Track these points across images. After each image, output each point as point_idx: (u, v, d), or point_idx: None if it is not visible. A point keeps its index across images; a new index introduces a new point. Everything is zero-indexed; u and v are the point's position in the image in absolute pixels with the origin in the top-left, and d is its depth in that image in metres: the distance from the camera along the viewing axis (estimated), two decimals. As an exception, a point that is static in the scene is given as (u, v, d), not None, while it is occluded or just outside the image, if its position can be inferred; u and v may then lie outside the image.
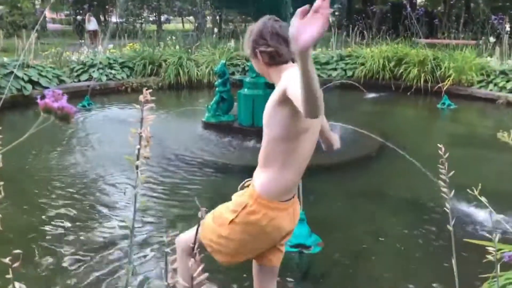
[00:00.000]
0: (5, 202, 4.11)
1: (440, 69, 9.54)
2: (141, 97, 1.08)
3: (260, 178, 1.94)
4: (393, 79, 10.22)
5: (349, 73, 10.83)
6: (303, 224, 3.12)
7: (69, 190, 4.27)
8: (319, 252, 3.09)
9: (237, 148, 5.53)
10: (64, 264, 2.97)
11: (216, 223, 1.99)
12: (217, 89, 6.17)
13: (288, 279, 2.81)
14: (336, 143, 2.24)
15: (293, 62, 1.89)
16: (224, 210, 2.01)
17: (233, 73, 10.25)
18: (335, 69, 11.05)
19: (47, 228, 3.52)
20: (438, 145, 1.56)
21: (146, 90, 1.08)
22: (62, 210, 3.83)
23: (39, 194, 4.21)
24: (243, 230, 1.94)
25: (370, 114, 8.29)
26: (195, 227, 1.92)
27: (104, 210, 3.83)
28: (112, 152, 5.27)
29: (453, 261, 1.52)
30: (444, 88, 8.83)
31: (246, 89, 5.84)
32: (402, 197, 4.18)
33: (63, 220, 3.63)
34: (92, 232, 3.44)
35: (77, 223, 3.59)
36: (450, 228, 1.50)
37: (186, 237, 2.08)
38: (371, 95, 9.51)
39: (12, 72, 8.26)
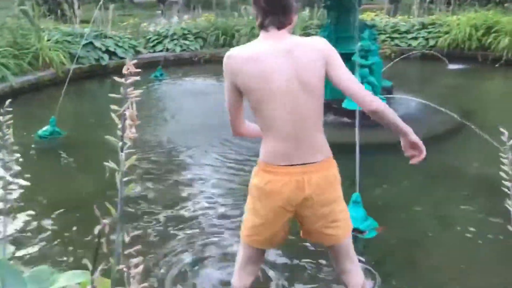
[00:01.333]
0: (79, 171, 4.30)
1: (536, 38, 8.59)
2: (124, 69, 0.94)
3: (261, 144, 2.02)
4: (481, 49, 9.34)
5: (432, 42, 10.05)
6: (358, 206, 2.91)
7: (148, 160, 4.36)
8: (375, 237, 2.87)
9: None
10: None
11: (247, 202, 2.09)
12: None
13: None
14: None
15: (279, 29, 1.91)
16: None
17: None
18: (416, 38, 10.32)
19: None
20: (501, 129, 1.31)
21: (131, 61, 0.94)
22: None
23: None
24: (252, 195, 2.02)
25: (452, 87, 7.65)
26: None
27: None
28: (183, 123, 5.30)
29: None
30: (540, 60, 7.94)
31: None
32: (478, 181, 3.80)
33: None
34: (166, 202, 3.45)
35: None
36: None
37: None
38: (455, 66, 8.77)
39: (91, 43, 8.59)
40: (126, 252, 0.84)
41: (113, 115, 0.94)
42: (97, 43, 8.75)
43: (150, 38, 10.18)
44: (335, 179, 2.00)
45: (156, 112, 6.16)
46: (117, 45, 9.15)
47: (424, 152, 1.99)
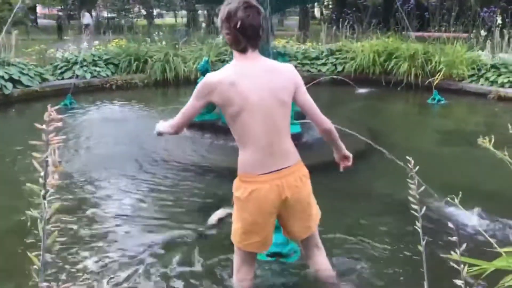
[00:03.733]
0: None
1: (431, 63, 9.41)
2: (45, 116, 0.91)
3: (239, 157, 2.24)
4: (384, 74, 10.06)
5: (339, 68, 10.66)
6: (280, 232, 2.96)
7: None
8: (297, 260, 2.94)
9: (219, 148, 5.36)
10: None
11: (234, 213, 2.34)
12: (200, 87, 5.98)
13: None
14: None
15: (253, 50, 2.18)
16: None
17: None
18: (325, 64, 10.89)
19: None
20: (407, 157, 1.43)
21: (52, 108, 0.92)
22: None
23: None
24: (237, 206, 2.27)
25: (360, 110, 8.14)
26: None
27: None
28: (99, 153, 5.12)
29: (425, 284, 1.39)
30: (435, 83, 8.67)
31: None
32: (387, 199, 4.04)
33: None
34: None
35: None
36: (421, 249, 1.37)
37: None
38: (362, 90, 9.34)
39: (-9, 70, 8.06)
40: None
41: (34, 162, 0.90)
42: (0, 71, 8.23)
43: (57, 65, 9.75)
44: (306, 176, 2.34)
45: (68, 143, 5.88)
46: (21, 72, 8.65)
47: (351, 161, 2.51)
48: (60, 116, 0.91)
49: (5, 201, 3.99)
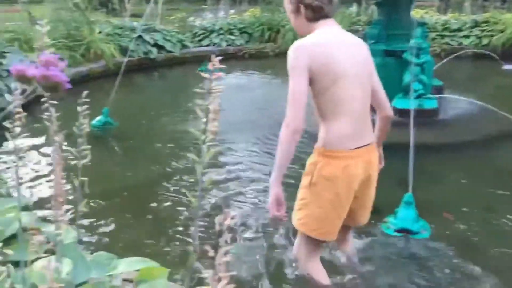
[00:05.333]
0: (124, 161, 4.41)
1: None
2: (209, 65, 0.96)
3: (321, 132, 2.07)
4: (538, 49, 8.98)
5: (485, 41, 9.71)
6: (410, 207, 2.86)
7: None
8: (426, 239, 2.82)
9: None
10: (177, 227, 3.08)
11: (301, 197, 2.12)
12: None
13: (389, 263, 2.62)
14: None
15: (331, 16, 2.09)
16: (301, 183, 2.13)
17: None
18: (467, 37, 10.00)
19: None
20: None
21: (216, 57, 0.96)
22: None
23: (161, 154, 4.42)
24: (323, 187, 2.03)
25: (506, 88, 7.38)
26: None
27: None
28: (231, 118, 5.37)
29: None
30: None
31: (362, 57, 5.51)
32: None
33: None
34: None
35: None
36: None
37: (296, 243, 2.28)
38: (509, 66, 8.45)
39: (140, 36, 8.77)
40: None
41: (197, 108, 0.97)
42: (146, 37, 8.94)
43: (196, 33, 10.31)
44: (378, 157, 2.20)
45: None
46: (165, 39, 9.31)
47: (383, 163, 2.34)
48: (222, 66, 0.96)
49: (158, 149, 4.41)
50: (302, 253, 2.24)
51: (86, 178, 1.36)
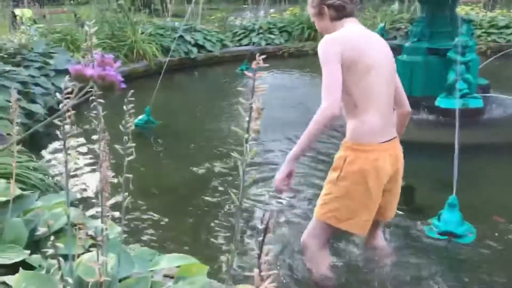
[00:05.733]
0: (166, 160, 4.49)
1: None
2: (253, 64, 0.97)
3: (348, 126, 2.09)
4: None
5: (534, 38, 9.37)
6: (455, 210, 2.78)
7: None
8: (471, 243, 2.73)
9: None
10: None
11: (327, 192, 2.12)
12: (374, 55, 5.81)
13: (433, 267, 2.55)
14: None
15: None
16: (328, 178, 2.14)
17: (394, 38, 9.61)
18: (516, 34, 9.66)
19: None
20: None
21: (260, 56, 0.97)
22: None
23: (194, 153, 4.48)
24: (352, 181, 2.04)
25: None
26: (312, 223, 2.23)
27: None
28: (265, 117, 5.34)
29: None
30: None
31: (405, 55, 5.40)
32: None
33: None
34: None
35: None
36: None
37: (310, 233, 2.24)
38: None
39: (181, 36, 8.91)
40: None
41: (239, 107, 0.97)
42: (187, 37, 9.07)
43: (236, 32, 10.37)
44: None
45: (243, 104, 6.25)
46: (205, 38, 9.42)
47: None
48: (266, 65, 0.96)
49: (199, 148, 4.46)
50: (315, 243, 2.22)
51: (130, 175, 1.38)
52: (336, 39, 2.02)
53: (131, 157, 1.53)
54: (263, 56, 0.95)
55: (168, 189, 3.70)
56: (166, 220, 3.15)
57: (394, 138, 2.12)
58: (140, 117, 5.19)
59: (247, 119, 0.96)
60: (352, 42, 2.03)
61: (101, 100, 1.31)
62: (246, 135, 0.98)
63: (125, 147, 1.53)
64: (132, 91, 1.41)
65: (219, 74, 8.78)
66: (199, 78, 8.33)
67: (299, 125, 4.94)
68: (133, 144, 1.50)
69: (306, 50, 10.09)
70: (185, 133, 5.07)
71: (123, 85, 0.80)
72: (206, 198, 3.46)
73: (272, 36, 10.39)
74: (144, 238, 2.88)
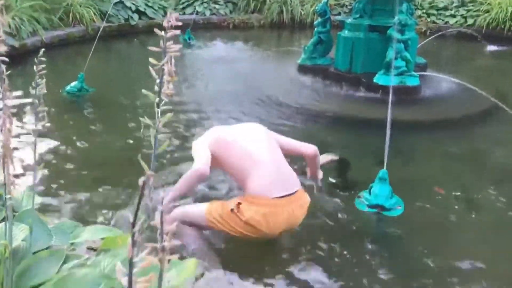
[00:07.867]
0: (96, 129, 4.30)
1: None
2: (165, 22, 0.89)
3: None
4: (522, 31, 8.98)
5: (470, 21, 9.69)
6: (385, 184, 2.84)
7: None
8: (399, 215, 2.81)
9: (329, 95, 5.20)
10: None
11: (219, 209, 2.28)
12: (316, 29, 5.80)
13: (364, 239, 2.61)
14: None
15: None
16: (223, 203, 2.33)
17: (338, 14, 9.68)
18: (453, 16, 9.97)
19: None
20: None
21: (173, 15, 0.89)
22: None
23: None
24: (242, 226, 2.21)
25: (489, 69, 7.39)
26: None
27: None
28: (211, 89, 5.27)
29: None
30: None
31: (346, 31, 5.43)
32: (508, 167, 3.68)
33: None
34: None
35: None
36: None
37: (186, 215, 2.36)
38: (493, 47, 8.45)
39: (121, 1, 8.52)
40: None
41: (150, 69, 0.90)
42: (128, 2, 8.68)
43: (180, 0, 10.05)
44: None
45: (185, 75, 6.11)
46: (147, 5, 9.06)
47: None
48: (180, 23, 0.89)
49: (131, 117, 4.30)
50: (185, 222, 2.33)
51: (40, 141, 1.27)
52: (218, 137, 2.52)
53: (43, 122, 1.42)
54: (176, 15, 0.88)
55: (98, 158, 3.54)
56: (93, 191, 3.01)
57: (294, 194, 2.29)
58: (73, 83, 4.93)
59: (157, 81, 0.89)
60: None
61: (4, 59, 1.19)
62: (157, 99, 0.91)
63: (37, 110, 1.41)
64: (42, 49, 1.29)
65: (160, 43, 8.47)
66: (139, 46, 8.02)
67: (241, 97, 5.00)
68: (45, 108, 1.39)
69: (252, 22, 9.96)
70: (120, 102, 4.87)
71: None
72: (135, 170, 3.33)
73: (217, 6, 10.15)
74: (68, 209, 2.75)
